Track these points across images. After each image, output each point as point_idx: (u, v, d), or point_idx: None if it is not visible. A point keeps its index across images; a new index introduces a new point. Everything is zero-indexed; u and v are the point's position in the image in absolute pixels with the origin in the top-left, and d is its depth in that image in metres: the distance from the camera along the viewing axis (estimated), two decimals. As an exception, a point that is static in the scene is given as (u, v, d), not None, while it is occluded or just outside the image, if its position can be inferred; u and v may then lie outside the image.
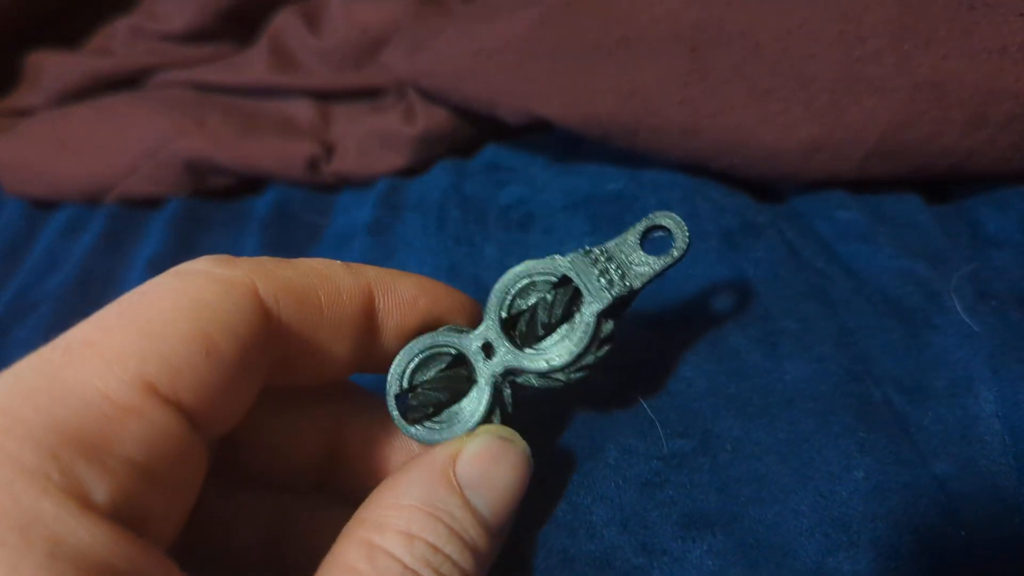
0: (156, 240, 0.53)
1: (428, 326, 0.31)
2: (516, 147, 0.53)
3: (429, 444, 0.29)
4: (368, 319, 0.29)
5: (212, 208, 0.57)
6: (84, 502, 0.20)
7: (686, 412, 0.34)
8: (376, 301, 0.29)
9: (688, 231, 0.30)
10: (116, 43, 0.65)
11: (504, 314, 0.30)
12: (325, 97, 0.58)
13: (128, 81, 0.64)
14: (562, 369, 0.29)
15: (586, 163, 0.50)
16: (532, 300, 0.30)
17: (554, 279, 0.30)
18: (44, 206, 0.60)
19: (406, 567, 0.24)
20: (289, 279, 0.27)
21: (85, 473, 0.20)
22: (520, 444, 0.28)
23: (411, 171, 0.54)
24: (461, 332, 0.30)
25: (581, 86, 0.44)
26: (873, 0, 0.40)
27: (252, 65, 0.61)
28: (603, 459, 0.33)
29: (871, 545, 0.29)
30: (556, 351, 0.29)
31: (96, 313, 0.25)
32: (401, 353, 0.30)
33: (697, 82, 0.42)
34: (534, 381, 0.30)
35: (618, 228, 0.44)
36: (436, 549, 0.25)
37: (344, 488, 0.32)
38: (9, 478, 0.19)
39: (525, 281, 0.30)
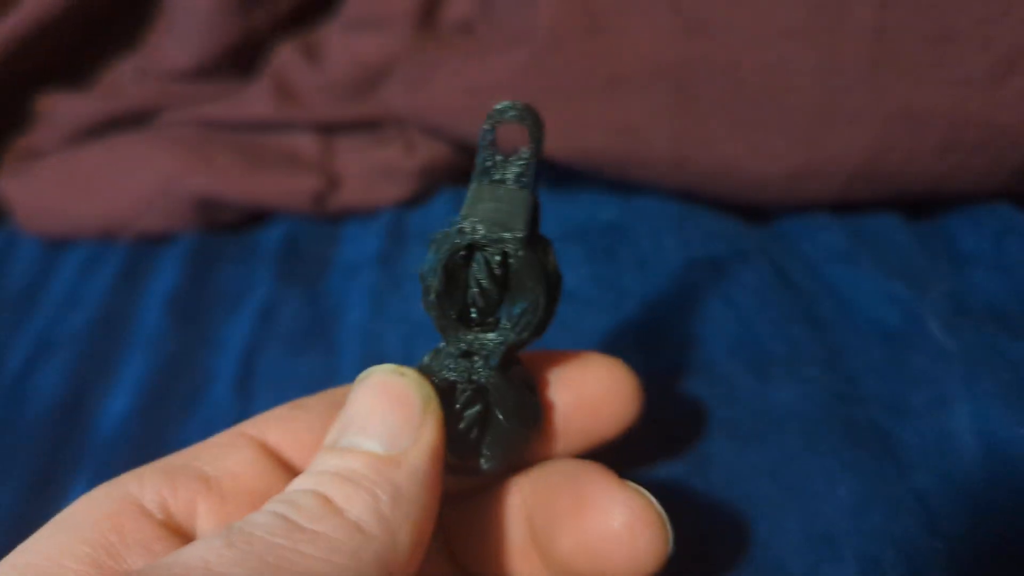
0: (171, 276, 0.55)
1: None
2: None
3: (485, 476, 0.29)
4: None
5: (223, 243, 0.59)
6: None
7: (680, 437, 0.36)
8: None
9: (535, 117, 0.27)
10: (124, 83, 0.67)
11: (452, 313, 0.27)
12: (328, 130, 0.60)
13: (136, 120, 0.65)
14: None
15: (580, 191, 0.52)
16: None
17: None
18: (60, 244, 0.62)
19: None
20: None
21: None
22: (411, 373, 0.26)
23: (414, 201, 0.56)
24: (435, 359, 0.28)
25: (572, 123, 0.46)
26: (848, 34, 0.42)
27: (255, 100, 0.62)
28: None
29: (855, 558, 0.31)
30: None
31: None
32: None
33: (683, 116, 0.45)
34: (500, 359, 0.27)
35: (612, 258, 0.46)
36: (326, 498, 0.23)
37: None
38: None
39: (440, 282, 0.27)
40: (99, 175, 0.62)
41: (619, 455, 0.36)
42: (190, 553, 0.20)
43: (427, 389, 0.25)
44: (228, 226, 0.60)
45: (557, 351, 0.31)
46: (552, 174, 0.53)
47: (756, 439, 0.36)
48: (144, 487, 0.27)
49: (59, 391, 0.48)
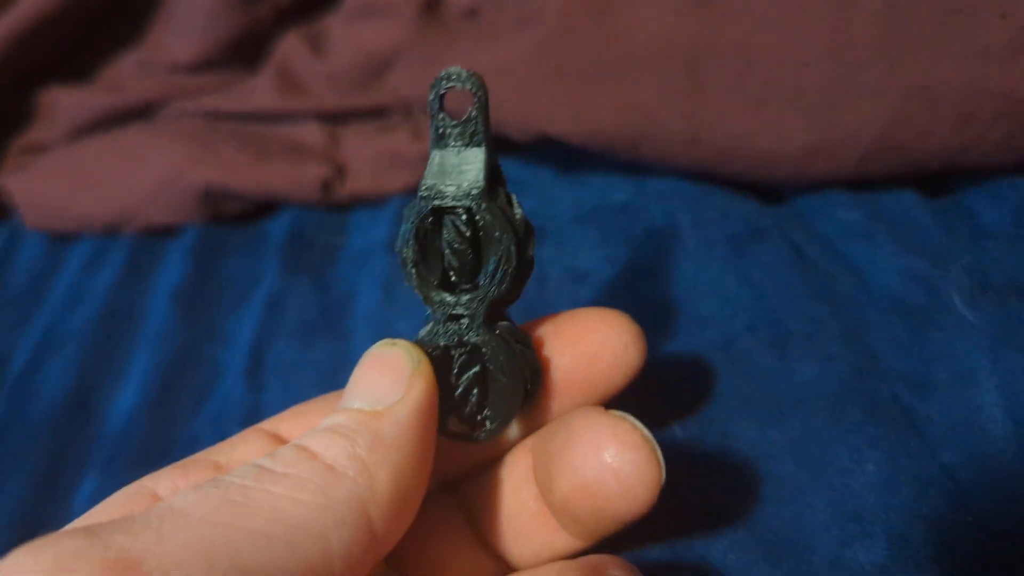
0: (177, 269, 0.55)
1: None
2: (524, 159, 0.55)
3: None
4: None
5: (228, 234, 0.58)
6: None
7: (703, 417, 0.36)
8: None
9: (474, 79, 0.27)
10: (126, 77, 0.66)
11: (435, 280, 0.28)
12: (333, 120, 0.60)
13: (140, 113, 0.65)
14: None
15: (592, 173, 0.51)
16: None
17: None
18: (65, 239, 0.62)
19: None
20: None
21: None
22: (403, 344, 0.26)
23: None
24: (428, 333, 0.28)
25: (584, 104, 0.46)
26: (861, 9, 0.41)
27: (260, 91, 0.62)
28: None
29: (884, 535, 0.31)
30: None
31: None
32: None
33: (695, 95, 0.44)
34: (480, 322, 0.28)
35: (627, 239, 0.46)
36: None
37: None
38: None
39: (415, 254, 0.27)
40: (103, 169, 0.62)
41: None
42: (161, 502, 0.20)
43: (417, 354, 0.26)
44: (234, 217, 0.59)
45: (555, 314, 0.30)
46: (564, 157, 0.52)
47: (778, 417, 0.35)
48: (159, 480, 0.27)
49: (66, 387, 0.48)
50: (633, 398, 0.37)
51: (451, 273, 0.28)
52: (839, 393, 0.36)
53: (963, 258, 0.41)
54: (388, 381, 0.25)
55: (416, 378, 0.25)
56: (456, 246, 0.27)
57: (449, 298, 0.27)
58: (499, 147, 0.55)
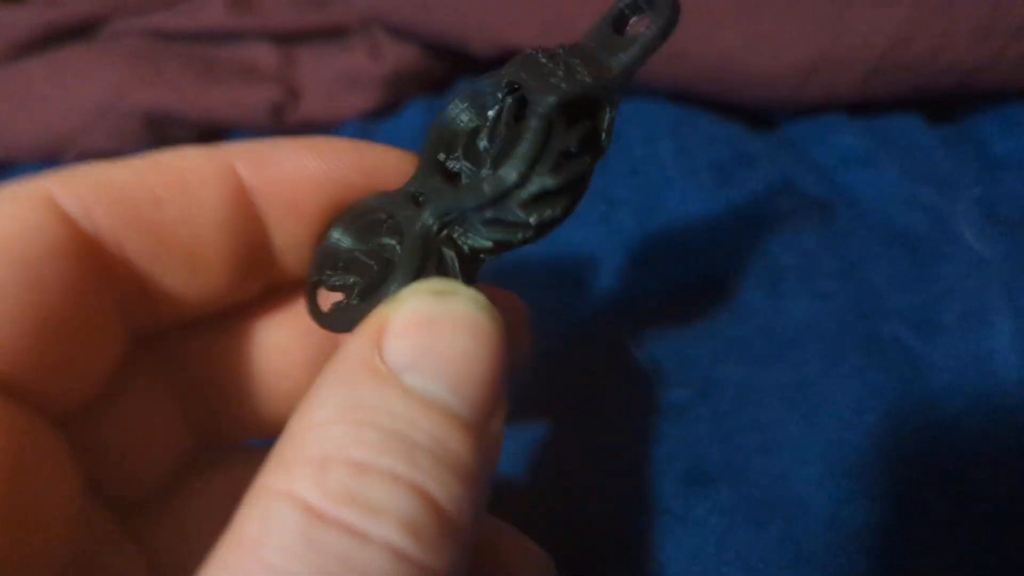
0: (116, 199, 0.50)
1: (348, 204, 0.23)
2: (489, 80, 0.50)
3: (342, 331, 0.21)
4: (239, 211, 0.21)
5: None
6: None
7: (683, 359, 0.32)
8: (247, 182, 0.21)
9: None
10: (64, -8, 0.61)
11: (443, 155, 0.22)
12: (287, 40, 0.55)
13: (80, 32, 0.60)
14: (511, 192, 0.20)
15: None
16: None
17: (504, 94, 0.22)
18: (-1, 168, 0.57)
19: (316, 514, 0.15)
20: (105, 176, 0.20)
21: None
22: (466, 292, 0.19)
23: (381, 113, 0.51)
24: (392, 194, 0.22)
25: (554, 11, 0.41)
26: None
27: (209, 9, 0.58)
28: (600, 417, 0.31)
29: (886, 494, 0.27)
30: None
31: None
32: (326, 233, 0.22)
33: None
34: (485, 234, 0.21)
35: (601, 167, 0.41)
36: (363, 468, 0.16)
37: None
38: None
39: (466, 113, 0.22)
40: (39, 92, 0.57)
41: (618, 382, 0.32)
42: None
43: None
44: (181, 144, 0.55)
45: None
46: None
47: (769, 360, 0.31)
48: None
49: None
50: (607, 333, 0.33)
51: (462, 165, 0.22)
52: (836, 334, 0.32)
53: (973, 188, 0.37)
54: (461, 354, 0.18)
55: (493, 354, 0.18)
56: (485, 144, 0.21)
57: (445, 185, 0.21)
58: (459, 64, 0.51)
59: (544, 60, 0.21)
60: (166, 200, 0.20)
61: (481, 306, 0.18)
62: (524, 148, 0.20)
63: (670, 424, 0.30)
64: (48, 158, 0.56)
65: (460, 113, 0.22)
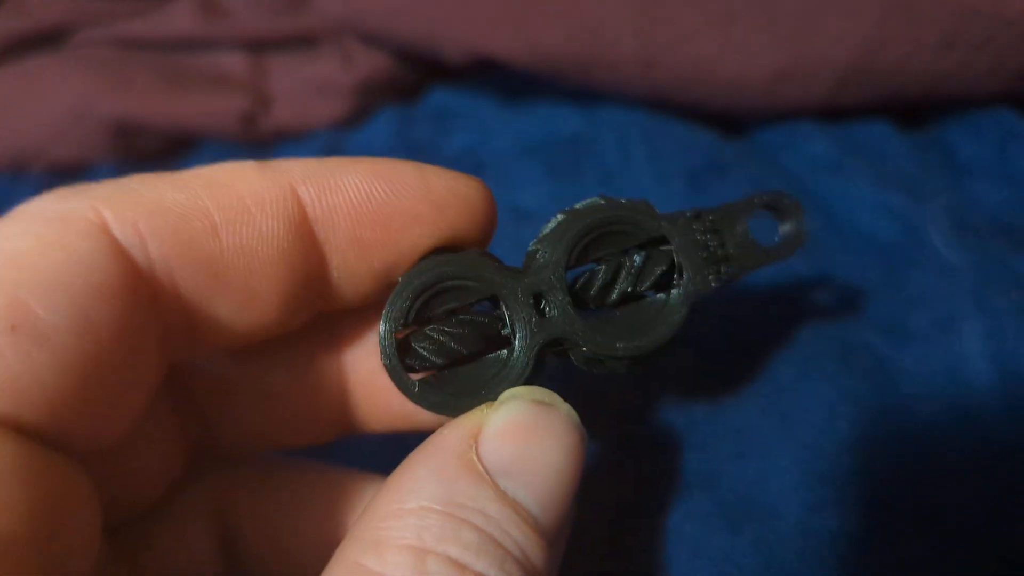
0: (84, 209, 0.50)
1: (420, 246, 0.21)
2: (463, 89, 0.50)
3: (439, 413, 0.21)
4: (300, 243, 0.20)
5: (144, 172, 0.53)
6: None
7: (652, 366, 0.32)
8: (309, 208, 0.20)
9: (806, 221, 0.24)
10: (33, 1, 0.60)
11: (572, 260, 0.23)
12: (257, 48, 0.55)
13: (48, 41, 0.60)
14: (635, 359, 0.22)
15: (538, 103, 0.47)
16: (602, 252, 0.23)
17: (639, 235, 0.24)
18: (-36, 178, 0.56)
19: None
20: (160, 199, 0.19)
21: None
22: (564, 408, 0.20)
23: (353, 121, 0.51)
24: (495, 266, 0.22)
25: (527, 18, 0.41)
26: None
27: (178, 17, 0.57)
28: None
29: (859, 500, 0.27)
30: (634, 337, 0.22)
31: None
32: (401, 282, 0.21)
33: (652, 9, 0.40)
34: (582, 362, 0.23)
35: (576, 174, 0.41)
36: (462, 567, 0.17)
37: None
38: None
39: (603, 226, 0.23)
40: (6, 101, 0.57)
41: (588, 387, 0.32)
42: None
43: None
44: (150, 154, 0.54)
45: None
46: (506, 83, 0.48)
47: (741, 366, 0.31)
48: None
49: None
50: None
51: (587, 281, 0.23)
52: (808, 341, 0.32)
53: (942, 195, 0.37)
54: (551, 468, 0.19)
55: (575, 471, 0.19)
56: (626, 287, 0.23)
57: (570, 306, 0.22)
58: (432, 72, 0.50)
59: (694, 231, 0.24)
60: (224, 228, 0.19)
61: (576, 425, 0.19)
62: (666, 328, 0.22)
63: (640, 432, 0.30)
64: (16, 167, 0.55)
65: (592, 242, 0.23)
